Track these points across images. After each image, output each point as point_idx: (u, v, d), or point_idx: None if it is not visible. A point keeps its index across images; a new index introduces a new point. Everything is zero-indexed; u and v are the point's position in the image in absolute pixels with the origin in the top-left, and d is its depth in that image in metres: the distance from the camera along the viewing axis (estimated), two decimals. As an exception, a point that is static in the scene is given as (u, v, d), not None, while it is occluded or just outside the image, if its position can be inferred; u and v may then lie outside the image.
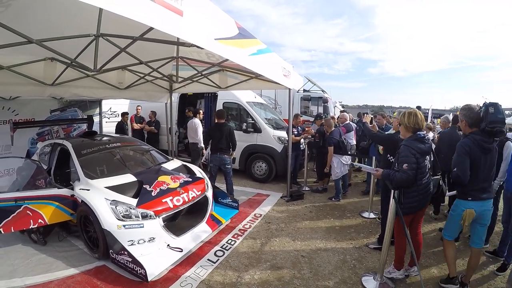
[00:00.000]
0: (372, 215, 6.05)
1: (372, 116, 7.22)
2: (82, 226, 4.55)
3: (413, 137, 3.55)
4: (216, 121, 6.71)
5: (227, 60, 5.31)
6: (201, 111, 9.30)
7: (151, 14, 2.24)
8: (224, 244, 4.84)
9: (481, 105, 3.38)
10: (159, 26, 2.35)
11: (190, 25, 2.64)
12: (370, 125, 5.86)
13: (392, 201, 3.52)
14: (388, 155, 4.59)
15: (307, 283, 3.88)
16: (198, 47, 2.99)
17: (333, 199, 7.12)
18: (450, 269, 3.68)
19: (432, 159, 3.73)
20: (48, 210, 4.45)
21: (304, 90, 13.91)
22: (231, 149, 6.68)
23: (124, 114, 9.99)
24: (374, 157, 6.11)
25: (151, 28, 3.46)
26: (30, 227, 4.32)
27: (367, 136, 5.91)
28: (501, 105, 3.27)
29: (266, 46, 4.42)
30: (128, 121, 10.26)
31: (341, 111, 11.39)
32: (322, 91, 14.33)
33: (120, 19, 2.02)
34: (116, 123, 10.18)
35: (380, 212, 5.33)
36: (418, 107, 8.36)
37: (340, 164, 6.90)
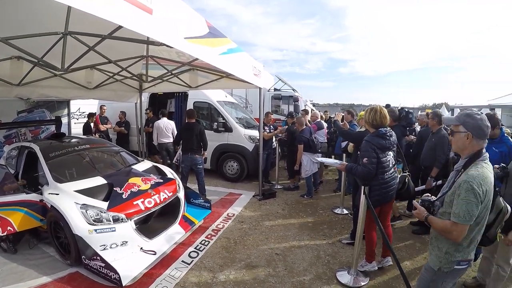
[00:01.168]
0: (344, 211, 6.15)
1: (343, 114, 7.32)
2: (52, 232, 4.40)
3: (375, 133, 3.70)
4: (186, 120, 6.64)
5: (197, 59, 5.27)
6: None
7: (120, 12, 2.20)
8: (198, 245, 4.81)
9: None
10: (128, 24, 2.31)
11: (159, 24, 2.61)
12: (341, 123, 5.95)
13: (362, 196, 3.61)
14: (359, 152, 4.69)
15: (283, 280, 3.91)
16: (167, 46, 2.95)
17: (305, 196, 7.20)
18: None
19: (395, 155, 3.85)
20: (17, 217, 4.30)
21: (275, 89, 14.02)
22: (202, 149, 6.63)
23: (91, 115, 9.72)
24: (344, 155, 6.19)
25: (120, 27, 3.39)
26: None
27: (338, 133, 5.99)
28: None
29: (237, 45, 4.42)
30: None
31: (312, 110, 11.54)
32: (293, 90, 14.45)
33: (88, 17, 1.97)
34: (83, 124, 9.88)
35: (352, 207, 5.45)
36: (388, 105, 8.53)
37: (309, 162, 6.97)
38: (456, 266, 2.19)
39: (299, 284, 3.85)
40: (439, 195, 2.34)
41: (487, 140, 2.20)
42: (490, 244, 2.33)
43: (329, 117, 11.08)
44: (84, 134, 8.98)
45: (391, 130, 3.82)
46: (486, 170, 2.08)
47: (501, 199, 2.23)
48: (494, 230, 2.23)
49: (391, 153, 3.73)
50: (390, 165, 3.70)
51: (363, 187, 3.57)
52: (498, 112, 15.15)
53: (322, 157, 7.15)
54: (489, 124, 2.14)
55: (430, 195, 2.46)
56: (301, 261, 4.39)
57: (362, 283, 3.80)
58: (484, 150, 2.17)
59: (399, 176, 3.83)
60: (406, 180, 3.76)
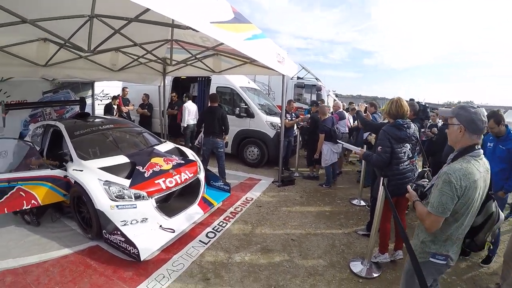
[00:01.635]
0: (362, 203, 6.14)
1: (366, 105, 7.25)
2: (75, 206, 4.56)
3: (392, 124, 3.75)
4: (209, 104, 6.72)
5: (222, 44, 5.31)
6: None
7: (148, -5, 2.24)
8: (216, 226, 4.91)
9: None
10: (155, 7, 2.34)
11: (186, 8, 2.64)
12: (364, 114, 5.91)
13: (381, 187, 3.60)
14: None
15: (296, 266, 3.97)
16: (193, 30, 2.98)
17: (323, 185, 7.21)
18: None
19: (413, 148, 3.83)
20: (41, 191, 4.45)
21: (298, 78, 13.90)
22: (224, 133, 6.70)
23: (115, 98, 9.85)
24: (365, 146, 6.15)
25: (146, 10, 3.44)
26: (23, 208, 4.32)
27: (360, 124, 5.95)
28: None
29: (261, 31, 4.42)
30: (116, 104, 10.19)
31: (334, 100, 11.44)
32: (316, 79, 14.31)
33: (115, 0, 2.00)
34: (104, 105, 10.08)
35: (370, 199, 5.45)
36: (411, 100, 8.43)
37: (330, 152, 6.95)
38: (431, 258, 2.16)
39: (313, 270, 3.90)
40: (429, 184, 2.32)
41: (482, 136, 2.14)
42: (478, 250, 2.28)
43: (355, 109, 10.96)
44: (104, 114, 9.17)
45: (410, 122, 3.81)
46: (472, 166, 2.00)
47: (494, 204, 2.15)
48: (482, 236, 2.15)
49: (408, 145, 3.74)
50: (405, 157, 3.72)
51: (382, 178, 3.57)
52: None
53: (342, 147, 7.16)
54: (484, 119, 2.04)
55: (427, 180, 2.45)
56: (316, 248, 4.43)
57: (375, 275, 3.82)
58: (477, 147, 2.08)
59: (418, 170, 3.80)
60: (425, 176, 3.75)
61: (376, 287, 3.62)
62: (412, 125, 3.80)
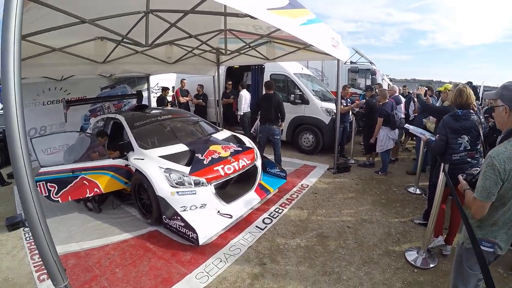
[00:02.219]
0: (418, 191, 5.94)
1: (426, 88, 6.96)
2: (136, 193, 4.84)
3: (452, 113, 3.69)
4: (265, 91, 6.77)
5: (275, 31, 5.33)
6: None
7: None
8: (272, 212, 5.02)
9: None
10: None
11: (242, -5, 2.69)
12: (424, 98, 5.72)
13: (441, 174, 3.50)
14: None
15: (352, 253, 3.98)
16: (251, 17, 3.03)
17: (379, 172, 7.07)
18: None
19: (472, 139, 3.66)
20: (104, 180, 4.75)
21: (351, 62, 13.57)
22: (280, 120, 6.73)
23: (165, 89, 10.21)
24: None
25: (202, 1, 3.54)
26: (86, 196, 4.64)
27: (421, 107, 5.75)
28: None
29: (316, 16, 4.38)
30: (169, 96, 10.57)
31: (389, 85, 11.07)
32: (370, 63, 13.88)
33: None
34: (156, 97, 10.48)
35: (428, 187, 5.32)
36: (469, 83, 7.97)
37: (386, 137, 6.77)
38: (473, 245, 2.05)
39: (368, 258, 3.89)
40: (478, 171, 2.23)
41: None
42: None
43: (408, 92, 10.55)
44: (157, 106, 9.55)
45: (472, 113, 3.66)
46: None
47: None
48: None
49: (465, 137, 3.62)
50: (461, 148, 3.62)
51: (443, 164, 3.48)
52: None
53: (398, 133, 6.98)
54: None
55: (478, 169, 2.36)
56: (372, 236, 4.40)
57: (431, 265, 3.74)
58: None
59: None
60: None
61: (431, 278, 3.54)
62: (474, 117, 3.65)
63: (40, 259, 2.19)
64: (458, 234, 3.31)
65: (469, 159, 3.65)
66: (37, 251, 2.09)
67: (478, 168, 2.43)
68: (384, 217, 4.96)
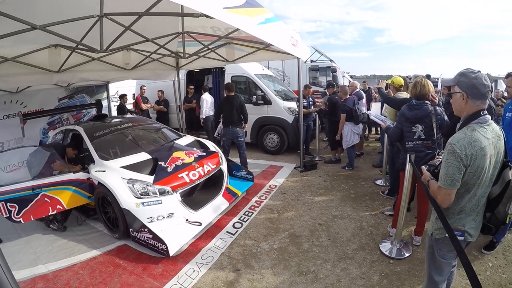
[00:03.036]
0: (386, 183, 6.02)
1: (386, 82, 7.08)
2: (100, 207, 4.62)
3: (408, 103, 3.82)
4: (226, 94, 6.68)
5: (234, 31, 5.24)
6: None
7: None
8: (242, 215, 4.92)
9: None
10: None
11: (197, -6, 2.58)
12: (386, 91, 5.80)
13: (408, 164, 3.54)
14: None
15: (326, 250, 3.95)
16: (207, 16, 2.92)
17: (346, 168, 7.13)
18: None
19: (426, 129, 3.74)
20: (66, 196, 4.49)
21: (312, 61, 13.74)
22: (243, 122, 6.66)
23: (122, 96, 9.94)
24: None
25: (156, 2, 3.40)
26: (50, 214, 4.35)
27: (383, 100, 5.83)
28: None
29: (274, 15, 4.33)
30: (129, 104, 10.32)
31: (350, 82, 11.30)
32: (330, 60, 14.12)
33: None
34: (116, 106, 10.19)
35: (389, 183, 5.59)
36: (428, 76, 8.24)
37: (350, 133, 6.85)
38: (447, 234, 2.06)
39: (343, 254, 3.87)
40: (440, 161, 2.23)
41: (487, 101, 2.03)
42: (501, 224, 2.13)
43: (368, 87, 10.80)
44: (118, 115, 9.25)
45: (426, 104, 3.74)
46: (477, 133, 1.92)
47: (510, 172, 2.02)
48: (502, 208, 2.03)
49: (419, 126, 3.71)
50: (415, 137, 3.73)
51: (408, 155, 3.50)
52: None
53: (362, 128, 7.09)
54: (486, 83, 1.94)
55: (440, 158, 2.38)
56: (344, 231, 4.39)
57: (406, 254, 3.77)
58: (483, 113, 1.98)
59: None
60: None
61: (408, 267, 3.56)
62: (428, 107, 3.72)
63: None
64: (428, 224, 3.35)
65: (422, 149, 3.72)
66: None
67: (440, 158, 2.43)
68: (355, 211, 4.97)
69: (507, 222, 2.07)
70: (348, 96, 6.96)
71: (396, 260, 3.70)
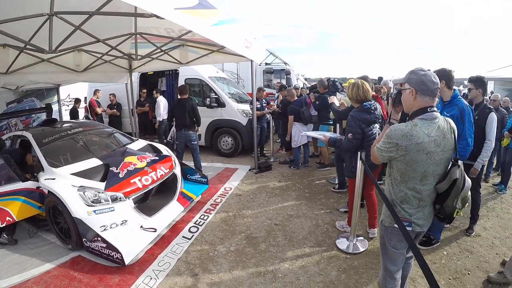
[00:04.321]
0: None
1: (334, 97, 7.21)
2: (51, 217, 4.37)
3: (359, 108, 3.82)
4: (179, 97, 6.59)
5: (187, 33, 5.20)
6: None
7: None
8: (197, 220, 4.85)
9: None
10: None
11: (148, -6, 2.54)
12: (337, 106, 5.80)
13: (359, 162, 3.66)
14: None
15: (283, 250, 3.98)
16: (157, 17, 2.88)
17: (291, 167, 7.31)
18: None
19: (380, 126, 3.93)
20: (15, 206, 4.25)
21: (266, 64, 13.88)
22: (196, 125, 6.61)
23: (77, 101, 9.67)
24: (338, 124, 6.16)
25: (107, 2, 3.31)
26: None
27: (337, 117, 5.87)
28: None
29: (228, 17, 4.34)
30: (81, 108, 10.01)
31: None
32: (284, 63, 14.34)
33: None
34: (69, 110, 9.84)
35: (338, 177, 5.81)
36: (380, 78, 8.62)
37: (298, 133, 6.98)
38: (395, 224, 2.15)
39: (300, 252, 3.92)
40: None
41: (437, 99, 2.14)
42: (449, 219, 2.23)
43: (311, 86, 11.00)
44: (71, 119, 8.91)
45: (375, 103, 3.90)
46: (418, 129, 2.01)
47: (458, 170, 2.09)
48: (450, 202, 2.10)
49: (377, 125, 3.87)
50: (374, 136, 3.79)
51: (359, 153, 3.61)
52: (491, 85, 14.91)
53: (313, 129, 7.24)
54: (435, 80, 2.05)
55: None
56: (300, 230, 4.45)
57: (362, 249, 3.89)
58: (430, 109, 2.07)
59: None
60: None
61: (365, 261, 3.68)
62: (377, 105, 3.91)
63: None
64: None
65: None
66: None
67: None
68: (310, 210, 5.06)
69: (454, 216, 2.16)
70: (296, 98, 7.08)
71: (352, 255, 3.81)
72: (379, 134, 3.75)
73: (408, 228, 2.16)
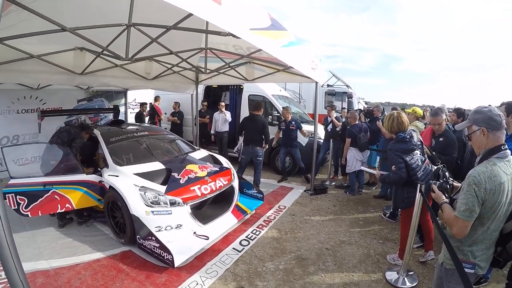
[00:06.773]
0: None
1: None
2: (109, 211, 4.66)
3: (396, 139, 3.83)
4: (252, 112, 6.76)
5: (255, 52, 5.37)
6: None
7: (191, 2, 2.29)
8: (249, 234, 4.92)
9: None
10: (199, 12, 2.39)
11: (227, 14, 2.69)
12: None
13: (418, 194, 3.55)
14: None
15: (332, 275, 3.92)
16: (234, 36, 3.03)
17: (347, 192, 7.17)
18: None
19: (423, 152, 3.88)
20: (76, 195, 4.58)
21: (328, 85, 13.77)
22: (264, 142, 6.71)
23: (142, 104, 10.10)
24: (378, 157, 6.08)
25: (184, 18, 3.51)
26: (57, 211, 4.45)
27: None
28: None
29: (296, 39, 4.44)
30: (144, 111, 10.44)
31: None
32: (347, 86, 14.17)
33: (152, 8, 2.05)
34: (135, 114, 10.36)
35: (393, 208, 5.68)
36: (442, 106, 8.34)
37: (353, 159, 6.88)
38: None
39: (348, 280, 3.84)
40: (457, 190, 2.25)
41: (504, 131, 2.05)
42: (505, 263, 2.16)
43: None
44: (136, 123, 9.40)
45: (411, 131, 3.83)
46: (497, 168, 1.93)
47: None
48: None
49: (417, 151, 3.77)
50: (420, 163, 3.73)
51: (419, 185, 3.50)
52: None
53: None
54: (499, 112, 2.00)
55: (451, 179, 2.41)
56: (351, 257, 4.36)
57: (412, 284, 3.74)
58: (504, 147, 2.00)
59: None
60: (441, 172, 3.54)
61: (413, 298, 3.53)
62: (413, 132, 3.84)
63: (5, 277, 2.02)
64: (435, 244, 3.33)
65: (428, 166, 3.80)
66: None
67: (449, 178, 2.46)
68: (363, 238, 4.94)
69: None
70: (357, 122, 6.98)
71: (401, 289, 3.69)
72: (421, 160, 3.74)
73: (471, 271, 2.08)
